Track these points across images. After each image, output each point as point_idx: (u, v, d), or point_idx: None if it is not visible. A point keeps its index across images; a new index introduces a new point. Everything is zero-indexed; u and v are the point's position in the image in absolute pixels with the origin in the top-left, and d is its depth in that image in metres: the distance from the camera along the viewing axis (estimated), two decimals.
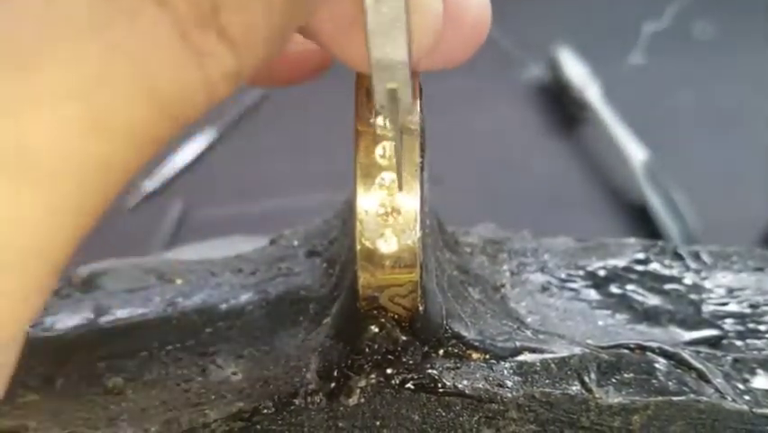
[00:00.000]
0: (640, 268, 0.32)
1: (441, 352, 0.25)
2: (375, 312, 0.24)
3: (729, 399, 0.25)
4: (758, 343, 0.28)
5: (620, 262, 0.32)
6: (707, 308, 0.30)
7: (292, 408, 0.24)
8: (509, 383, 0.24)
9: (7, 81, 0.13)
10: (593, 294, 0.30)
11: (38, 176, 0.13)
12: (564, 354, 0.25)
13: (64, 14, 0.13)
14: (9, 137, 0.13)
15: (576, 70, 0.72)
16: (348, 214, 0.29)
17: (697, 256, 0.33)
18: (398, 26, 0.17)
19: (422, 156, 0.23)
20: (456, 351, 0.25)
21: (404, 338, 0.24)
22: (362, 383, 0.24)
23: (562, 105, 0.73)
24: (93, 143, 0.14)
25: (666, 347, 0.26)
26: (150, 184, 0.66)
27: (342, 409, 0.24)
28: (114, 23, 0.13)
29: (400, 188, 0.22)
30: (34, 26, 0.13)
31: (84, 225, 0.14)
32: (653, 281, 0.31)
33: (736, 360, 0.27)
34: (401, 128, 0.22)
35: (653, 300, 0.30)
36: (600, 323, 0.29)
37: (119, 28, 0.13)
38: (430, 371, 0.24)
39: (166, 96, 0.14)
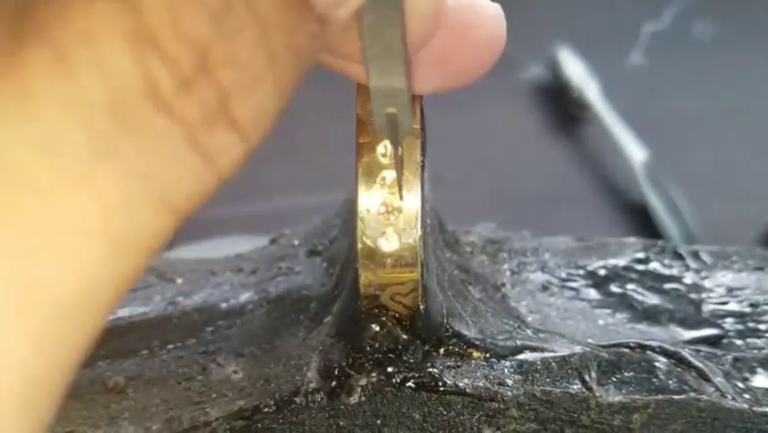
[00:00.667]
0: (640, 267, 0.32)
1: (441, 351, 0.25)
2: (376, 311, 0.24)
3: (729, 397, 0.25)
4: (758, 342, 0.29)
5: (620, 262, 0.32)
6: (707, 308, 0.30)
7: (293, 406, 0.24)
8: (510, 382, 0.24)
9: (13, 225, 0.12)
10: (593, 293, 0.30)
11: (54, 316, 0.13)
12: (565, 352, 0.25)
13: (62, 149, 0.12)
14: (20, 279, 0.12)
15: (576, 70, 0.72)
16: (348, 213, 0.30)
17: (697, 256, 0.33)
18: (397, 54, 0.17)
19: (423, 155, 0.23)
20: (457, 350, 0.25)
21: (405, 337, 0.24)
22: (363, 382, 0.24)
23: (562, 105, 0.73)
24: (108, 270, 0.13)
25: (666, 346, 0.26)
26: None
27: (342, 407, 0.24)
28: (120, 146, 0.12)
29: (401, 197, 0.22)
30: (40, 168, 0.12)
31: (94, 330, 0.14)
32: (654, 281, 0.31)
33: (736, 359, 0.27)
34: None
35: (653, 300, 0.30)
36: (601, 322, 0.29)
37: (128, 149, 0.13)
38: (431, 369, 0.24)
39: (179, 203, 0.14)
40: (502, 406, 0.24)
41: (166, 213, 0.13)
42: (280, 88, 0.14)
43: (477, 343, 0.25)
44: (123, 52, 0.12)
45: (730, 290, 0.31)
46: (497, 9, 0.21)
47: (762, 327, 0.29)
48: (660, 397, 0.24)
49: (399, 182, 0.22)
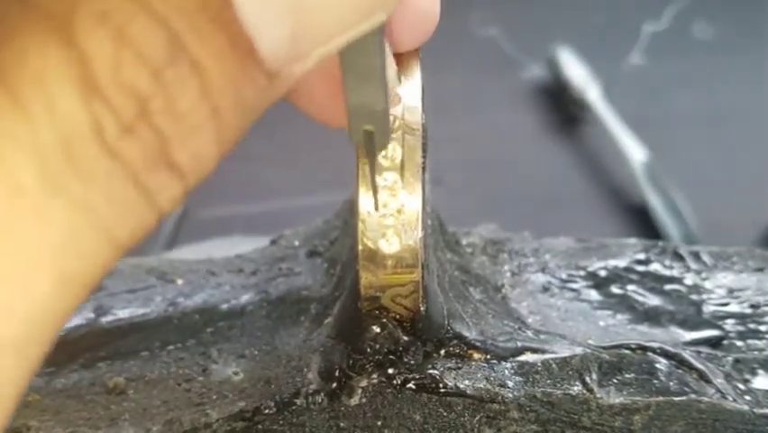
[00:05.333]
0: (641, 268, 0.32)
1: (442, 352, 0.25)
2: (377, 312, 0.24)
3: (730, 399, 0.25)
4: (759, 343, 0.29)
5: (621, 263, 0.32)
6: (707, 309, 0.30)
7: (293, 408, 0.24)
8: (511, 384, 0.24)
9: None
10: (594, 294, 0.30)
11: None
12: (566, 354, 0.25)
13: (17, 185, 0.13)
14: None
15: (576, 70, 0.72)
16: (349, 214, 0.30)
17: (697, 257, 0.33)
18: (376, 76, 0.17)
19: (424, 156, 0.23)
20: (457, 351, 0.25)
21: (405, 338, 0.24)
22: (364, 383, 0.24)
23: (562, 105, 0.73)
24: (52, 299, 0.14)
25: (667, 348, 0.26)
26: None
27: (343, 409, 0.24)
28: (69, 183, 0.13)
29: (376, 207, 0.22)
30: None
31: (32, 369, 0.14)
32: (654, 282, 0.31)
33: (736, 360, 0.27)
34: (381, 147, 0.22)
35: (653, 301, 0.30)
36: (601, 323, 0.29)
37: (76, 186, 0.13)
38: (431, 371, 0.24)
39: (122, 238, 0.14)
40: (503, 407, 0.24)
41: (109, 247, 0.14)
42: (223, 138, 0.15)
43: (477, 344, 0.25)
44: (72, 97, 0.13)
45: (731, 291, 0.31)
46: None
47: (762, 328, 0.29)
48: (661, 398, 0.24)
49: (375, 194, 0.22)
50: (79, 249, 0.14)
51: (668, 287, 0.31)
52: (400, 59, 0.22)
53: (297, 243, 0.32)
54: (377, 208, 0.22)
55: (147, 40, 0.13)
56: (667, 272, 0.32)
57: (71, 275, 0.14)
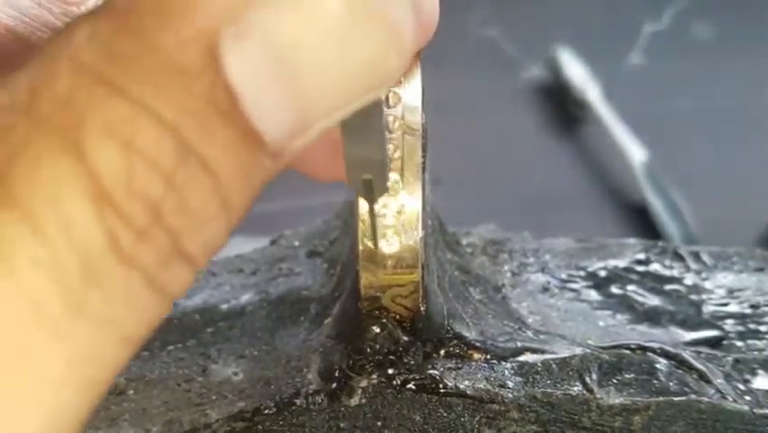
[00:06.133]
0: (641, 268, 0.32)
1: (442, 352, 0.25)
2: (376, 312, 0.24)
3: (730, 399, 0.25)
4: (759, 343, 0.29)
5: (621, 263, 0.32)
6: (707, 309, 0.30)
7: (293, 408, 0.24)
8: (511, 384, 0.24)
9: None
10: (594, 295, 0.30)
11: None
12: (565, 354, 0.25)
13: (39, 308, 0.13)
14: None
15: (576, 70, 0.72)
16: (349, 214, 0.29)
17: (697, 257, 0.33)
18: (375, 133, 0.17)
19: (423, 156, 0.23)
20: (457, 351, 0.25)
21: (405, 339, 0.24)
22: (364, 384, 0.24)
23: (562, 105, 0.73)
24: (76, 408, 0.14)
25: (667, 348, 0.26)
26: None
27: (343, 409, 0.24)
28: (89, 298, 0.13)
29: (375, 245, 0.22)
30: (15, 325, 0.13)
31: None
32: (654, 282, 0.31)
33: (736, 360, 0.27)
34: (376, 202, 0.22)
35: (653, 301, 0.30)
36: (601, 323, 0.29)
37: (95, 300, 0.13)
38: (431, 371, 0.24)
39: (138, 335, 0.14)
40: (503, 408, 0.24)
41: (126, 346, 0.14)
42: (232, 221, 0.15)
43: (477, 344, 0.25)
44: (86, 212, 0.13)
45: (731, 292, 0.31)
46: None
47: (762, 328, 0.29)
48: (660, 399, 0.24)
49: (374, 231, 0.22)
50: (99, 358, 0.14)
51: (668, 287, 0.31)
52: None
53: (297, 243, 0.32)
54: (376, 248, 0.22)
55: (156, 147, 0.13)
56: (667, 272, 0.32)
57: (94, 381, 0.14)
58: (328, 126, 0.15)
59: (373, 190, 0.19)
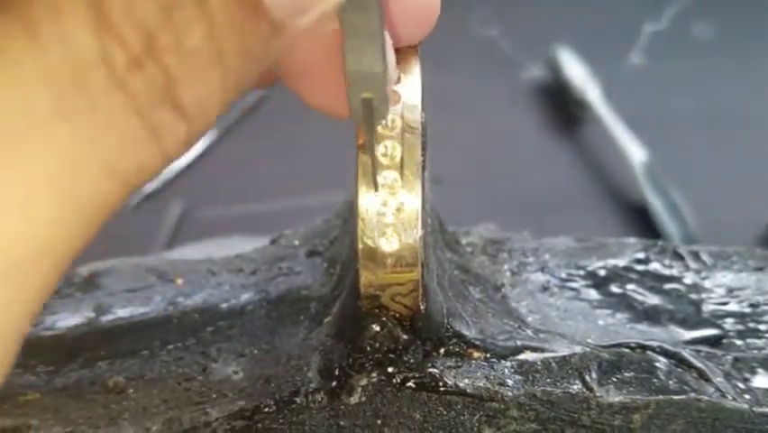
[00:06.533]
0: (640, 268, 0.32)
1: (442, 351, 0.25)
2: (376, 311, 0.24)
3: (730, 398, 0.25)
4: (758, 342, 0.29)
5: (620, 262, 0.32)
6: (707, 308, 0.30)
7: (293, 406, 0.24)
8: (510, 382, 0.24)
9: None
10: (594, 294, 0.30)
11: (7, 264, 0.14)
12: (565, 352, 0.25)
13: (29, 106, 0.14)
14: None
15: (576, 70, 0.72)
16: (349, 213, 0.30)
17: (697, 256, 0.33)
18: (375, 38, 0.17)
19: (423, 155, 0.23)
20: (457, 350, 0.25)
21: (405, 337, 0.24)
22: (364, 382, 0.24)
23: (562, 105, 0.73)
24: (60, 226, 0.14)
25: (667, 346, 0.26)
26: (150, 184, 0.66)
27: (343, 407, 0.24)
28: (77, 110, 0.14)
29: (376, 188, 0.22)
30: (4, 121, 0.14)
31: (46, 290, 0.15)
32: (654, 281, 0.31)
33: (736, 359, 0.27)
34: (376, 137, 0.22)
35: (653, 300, 0.30)
36: (601, 322, 0.29)
37: (83, 115, 0.14)
38: (431, 370, 0.24)
39: (125, 171, 0.15)
40: (502, 406, 0.24)
41: (112, 179, 0.15)
42: (227, 84, 0.15)
43: (477, 343, 0.25)
44: (84, 29, 0.14)
45: (730, 291, 0.31)
46: None
47: (762, 327, 0.29)
48: (660, 397, 0.24)
49: (374, 173, 0.22)
50: (84, 176, 0.14)
51: (667, 286, 0.31)
52: (400, 56, 0.22)
53: (296, 242, 0.32)
54: (376, 189, 0.22)
55: None
56: (667, 272, 0.32)
57: (76, 203, 0.14)
58: (327, 10, 0.15)
59: (373, 113, 0.19)
